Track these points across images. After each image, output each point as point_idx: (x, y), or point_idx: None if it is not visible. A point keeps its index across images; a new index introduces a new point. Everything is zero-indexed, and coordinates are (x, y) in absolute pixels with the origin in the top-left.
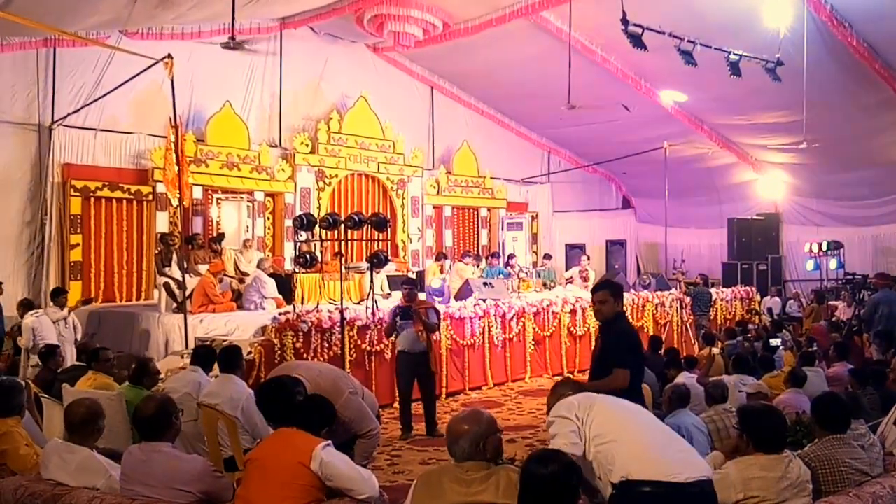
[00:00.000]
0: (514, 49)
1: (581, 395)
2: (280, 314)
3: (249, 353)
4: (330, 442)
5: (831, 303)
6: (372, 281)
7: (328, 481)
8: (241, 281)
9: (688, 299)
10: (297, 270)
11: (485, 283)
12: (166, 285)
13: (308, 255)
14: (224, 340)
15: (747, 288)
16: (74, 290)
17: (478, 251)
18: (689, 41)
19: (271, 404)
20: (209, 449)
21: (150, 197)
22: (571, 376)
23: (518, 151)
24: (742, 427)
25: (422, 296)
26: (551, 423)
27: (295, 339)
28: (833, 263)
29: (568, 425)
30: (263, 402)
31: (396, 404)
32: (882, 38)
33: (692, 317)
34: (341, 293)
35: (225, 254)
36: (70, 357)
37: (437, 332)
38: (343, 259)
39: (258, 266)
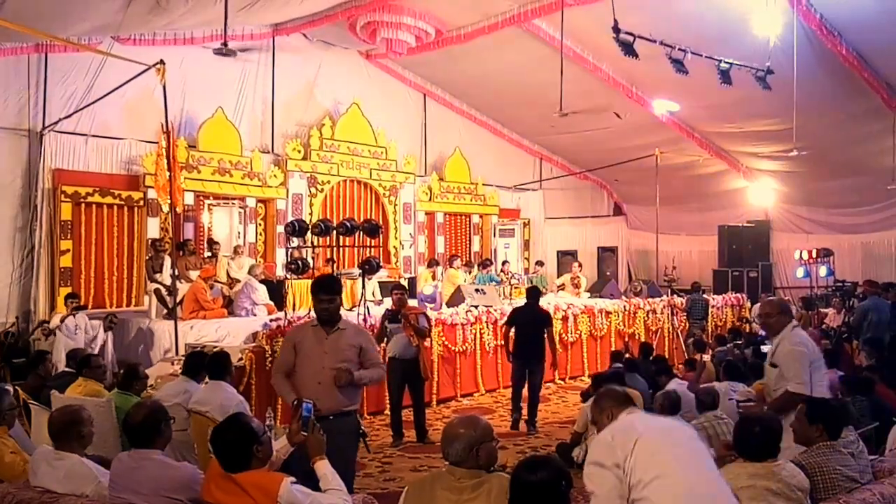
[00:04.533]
0: (507, 56)
1: (621, 428)
2: (271, 320)
3: (240, 359)
4: (293, 479)
5: (821, 310)
6: (364, 287)
7: None
8: (231, 287)
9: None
10: (288, 276)
11: (476, 290)
12: (157, 291)
13: (300, 262)
14: (215, 347)
15: (738, 295)
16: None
17: (470, 258)
18: (680, 49)
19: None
20: (199, 456)
21: (141, 203)
22: (618, 388)
23: (510, 158)
24: (733, 434)
25: (413, 302)
26: (589, 473)
27: None
28: (823, 271)
29: (607, 480)
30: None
31: (387, 411)
32: (871, 46)
33: (686, 324)
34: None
35: (218, 260)
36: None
37: (427, 338)
38: (335, 265)
39: (250, 272)
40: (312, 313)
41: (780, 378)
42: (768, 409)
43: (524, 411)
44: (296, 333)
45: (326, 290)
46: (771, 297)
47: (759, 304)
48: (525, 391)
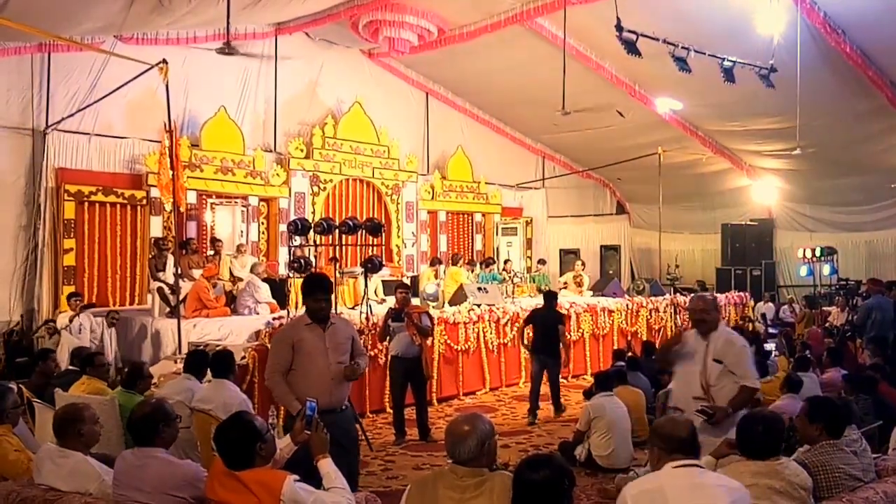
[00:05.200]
0: (509, 55)
1: (644, 494)
2: (274, 319)
3: (243, 357)
4: (297, 476)
5: (825, 308)
6: (366, 286)
7: None
8: (235, 284)
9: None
10: (291, 275)
11: (479, 288)
12: (160, 290)
13: (302, 260)
14: (218, 345)
15: (741, 293)
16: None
17: (472, 256)
18: (683, 47)
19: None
20: (202, 454)
21: (144, 202)
22: (674, 429)
23: (513, 157)
24: (736, 432)
25: (416, 301)
26: None
27: None
28: (826, 269)
29: None
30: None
31: (389, 409)
32: (875, 45)
33: (689, 323)
34: (335, 298)
35: (221, 258)
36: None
37: (430, 337)
38: (337, 264)
39: (252, 271)
40: None
41: (723, 374)
42: (730, 408)
43: (540, 406)
44: (291, 333)
45: (324, 289)
46: (704, 294)
47: (691, 299)
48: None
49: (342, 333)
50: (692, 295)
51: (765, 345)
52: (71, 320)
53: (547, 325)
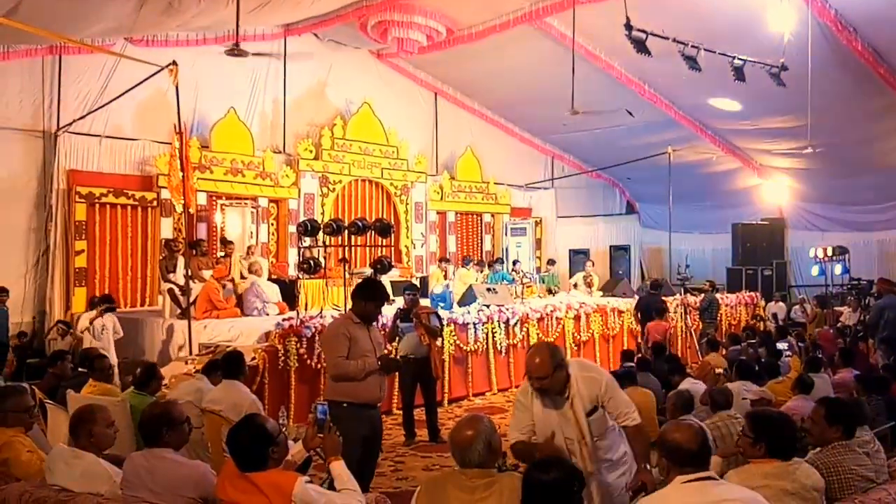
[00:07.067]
0: (518, 55)
1: None
2: (284, 320)
3: (253, 358)
4: (308, 477)
5: (836, 308)
6: None
7: None
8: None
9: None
10: (300, 276)
11: (488, 289)
12: (170, 291)
13: (312, 261)
14: (228, 346)
15: (752, 293)
16: (79, 297)
17: (481, 257)
18: (693, 46)
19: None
20: (213, 455)
21: (155, 203)
22: (686, 439)
23: (522, 157)
24: (756, 432)
25: (425, 301)
26: None
27: (298, 345)
28: (838, 269)
29: None
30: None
31: (398, 410)
32: (887, 42)
33: (699, 323)
34: (345, 299)
35: (231, 259)
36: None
37: (438, 338)
38: (347, 265)
39: (249, 270)
40: (325, 312)
41: (603, 420)
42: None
43: None
44: (346, 328)
45: (385, 296)
46: (539, 346)
47: (527, 355)
48: None
49: (378, 334)
50: (530, 348)
51: (778, 344)
52: (91, 322)
53: (648, 312)
